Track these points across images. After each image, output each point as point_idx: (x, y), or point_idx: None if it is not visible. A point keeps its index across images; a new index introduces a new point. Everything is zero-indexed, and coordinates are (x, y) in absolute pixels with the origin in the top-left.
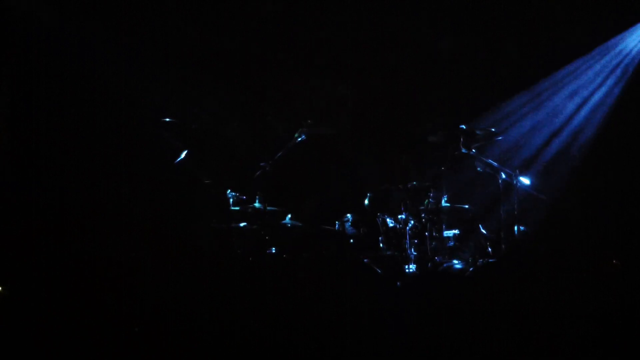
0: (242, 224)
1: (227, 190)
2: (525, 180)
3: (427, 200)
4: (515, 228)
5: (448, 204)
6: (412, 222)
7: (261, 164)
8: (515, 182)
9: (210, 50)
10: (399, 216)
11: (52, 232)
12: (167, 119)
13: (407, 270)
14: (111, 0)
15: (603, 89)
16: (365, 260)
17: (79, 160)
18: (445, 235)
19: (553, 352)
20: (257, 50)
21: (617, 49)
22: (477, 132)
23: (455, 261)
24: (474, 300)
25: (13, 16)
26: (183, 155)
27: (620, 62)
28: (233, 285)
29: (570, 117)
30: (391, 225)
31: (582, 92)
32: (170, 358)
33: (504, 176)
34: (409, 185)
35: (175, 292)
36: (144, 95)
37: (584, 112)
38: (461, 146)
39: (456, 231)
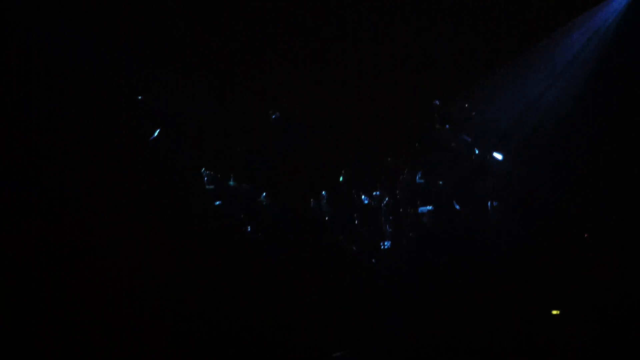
0: (217, 202)
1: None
2: (498, 156)
3: (401, 177)
4: (489, 203)
5: (422, 180)
6: (386, 198)
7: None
8: (488, 157)
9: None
10: (374, 193)
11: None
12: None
13: (382, 247)
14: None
15: (576, 64)
16: (340, 237)
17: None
18: (419, 211)
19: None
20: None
21: (591, 23)
22: (452, 108)
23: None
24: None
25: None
26: (156, 134)
27: (594, 35)
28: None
29: (545, 92)
30: (366, 202)
31: (556, 67)
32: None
33: (477, 152)
34: (384, 162)
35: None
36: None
37: (558, 87)
38: (435, 123)
39: (430, 207)
